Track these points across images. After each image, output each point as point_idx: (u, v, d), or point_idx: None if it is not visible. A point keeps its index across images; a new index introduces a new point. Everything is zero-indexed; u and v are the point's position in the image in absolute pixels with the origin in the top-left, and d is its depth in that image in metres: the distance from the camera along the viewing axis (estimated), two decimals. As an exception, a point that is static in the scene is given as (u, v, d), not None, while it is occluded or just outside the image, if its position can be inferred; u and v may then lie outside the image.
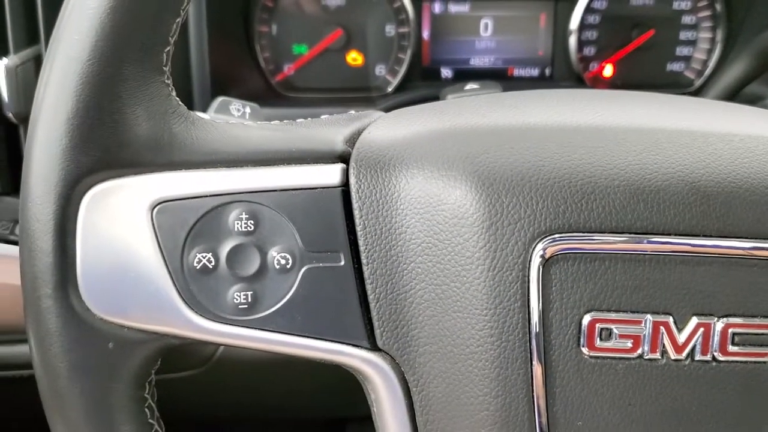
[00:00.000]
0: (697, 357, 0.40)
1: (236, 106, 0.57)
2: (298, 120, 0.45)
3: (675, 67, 0.97)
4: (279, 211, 0.41)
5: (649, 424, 0.40)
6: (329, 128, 0.44)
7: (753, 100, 0.88)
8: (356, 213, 0.41)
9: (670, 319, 0.39)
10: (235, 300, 0.40)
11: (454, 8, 0.94)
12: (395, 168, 0.41)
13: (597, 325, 0.39)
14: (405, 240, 0.41)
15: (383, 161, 0.41)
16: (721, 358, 0.40)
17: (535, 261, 0.39)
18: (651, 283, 0.39)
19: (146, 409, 0.42)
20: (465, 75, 0.96)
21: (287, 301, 0.41)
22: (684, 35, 0.96)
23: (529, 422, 0.40)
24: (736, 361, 0.40)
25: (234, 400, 0.83)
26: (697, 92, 0.95)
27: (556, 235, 0.39)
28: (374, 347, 0.41)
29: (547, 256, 0.39)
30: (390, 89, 0.94)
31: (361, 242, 0.41)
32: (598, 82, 0.97)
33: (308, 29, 0.93)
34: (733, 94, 0.77)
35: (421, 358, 0.41)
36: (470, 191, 0.39)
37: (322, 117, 0.46)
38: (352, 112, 0.47)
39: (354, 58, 0.94)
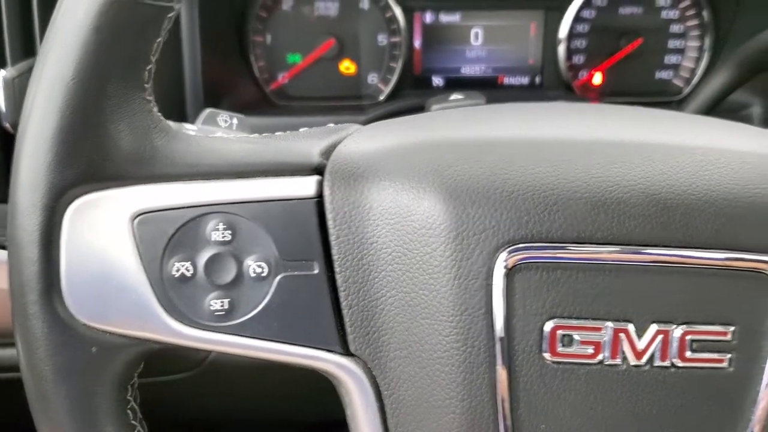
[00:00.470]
0: (657, 363, 0.41)
1: (224, 117, 0.59)
2: (276, 133, 0.47)
3: (664, 75, 0.99)
4: (255, 222, 0.42)
5: (610, 429, 0.42)
6: (306, 141, 0.46)
7: (738, 109, 0.90)
8: (330, 224, 0.43)
9: (630, 326, 0.41)
10: (212, 307, 0.42)
11: (444, 18, 0.96)
12: (368, 180, 0.43)
13: (559, 331, 0.41)
14: (376, 249, 0.42)
15: (356, 174, 0.43)
16: (679, 364, 0.41)
17: (499, 270, 0.40)
18: (611, 292, 0.41)
19: (129, 411, 0.44)
20: (456, 83, 0.98)
21: (263, 308, 0.43)
22: (672, 44, 0.98)
23: (494, 425, 0.42)
24: (695, 367, 0.41)
25: (226, 402, 0.85)
26: (686, 100, 0.97)
27: (519, 245, 0.40)
28: (347, 352, 0.43)
29: (510, 265, 0.40)
30: (382, 98, 0.96)
31: (334, 252, 0.43)
32: (588, 90, 0.98)
33: (302, 39, 0.95)
34: (716, 104, 0.78)
35: (392, 362, 0.43)
36: (438, 203, 0.41)
37: (301, 130, 0.48)
38: (331, 125, 0.49)
39: (347, 66, 0.96)
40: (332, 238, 0.43)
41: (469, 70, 0.98)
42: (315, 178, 0.43)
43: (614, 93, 0.98)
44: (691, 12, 0.97)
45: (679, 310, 0.41)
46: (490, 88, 0.98)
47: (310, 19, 0.94)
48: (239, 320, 0.42)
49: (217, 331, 0.42)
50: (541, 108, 0.50)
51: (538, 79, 0.99)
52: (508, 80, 0.99)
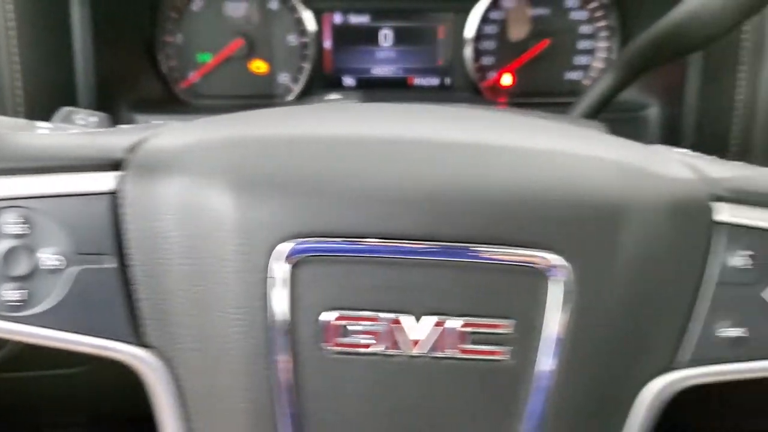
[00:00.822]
0: (435, 354, 0.42)
1: (81, 116, 0.60)
2: (91, 129, 0.48)
3: (573, 75, 0.99)
4: (52, 216, 0.44)
5: (391, 416, 0.43)
6: (114, 137, 0.47)
7: (636, 109, 0.91)
8: (126, 218, 0.44)
9: (409, 318, 0.42)
10: (6, 298, 0.43)
11: (354, 19, 0.97)
12: (165, 176, 0.44)
13: (339, 322, 0.42)
14: (170, 244, 0.43)
15: (155, 169, 0.44)
16: (457, 355, 0.42)
17: (280, 263, 0.42)
18: (389, 285, 0.42)
19: None
20: (367, 84, 0.99)
21: (59, 300, 0.44)
22: (582, 45, 0.99)
23: (280, 413, 0.43)
24: (472, 359, 0.42)
25: (120, 396, 0.86)
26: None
27: (300, 239, 0.41)
28: (143, 344, 0.44)
29: (291, 258, 0.42)
30: (291, 97, 0.97)
31: (129, 246, 0.44)
32: (498, 92, 0.99)
33: (212, 39, 0.96)
34: (603, 105, 0.78)
35: (186, 353, 0.44)
36: (226, 198, 0.42)
37: (118, 126, 0.49)
38: (156, 122, 0.50)
39: (258, 66, 0.97)
40: (127, 232, 0.44)
41: (379, 71, 0.99)
42: (114, 173, 0.44)
43: (524, 94, 0.99)
44: (599, 13, 0.98)
45: (458, 303, 0.42)
46: (400, 89, 0.99)
47: (220, 20, 0.96)
48: (34, 311, 0.44)
49: (12, 321, 0.44)
50: (355, 108, 0.51)
51: (447, 81, 1.00)
52: (418, 81, 1.00)
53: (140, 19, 0.93)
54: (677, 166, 0.47)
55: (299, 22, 0.96)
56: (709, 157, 0.51)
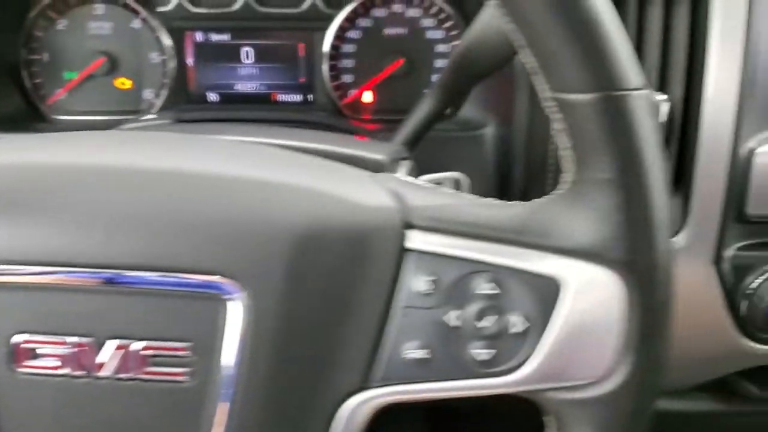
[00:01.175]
0: (119, 375, 0.46)
1: None
2: None
3: (431, 93, 1.02)
4: None
5: None
6: None
7: (474, 128, 0.94)
8: None
9: (92, 341, 0.45)
10: None
11: (215, 37, 1.00)
12: None
13: (26, 345, 0.45)
14: None
15: None
16: (141, 377, 0.46)
17: None
18: (75, 310, 0.45)
19: None
20: (231, 99, 1.02)
21: None
22: (439, 63, 1.01)
23: None
24: (156, 380, 0.46)
25: None
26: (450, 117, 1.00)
27: None
28: None
29: None
30: (153, 112, 1.00)
31: None
32: (358, 109, 1.02)
33: (77, 57, 0.99)
34: (423, 131, 0.81)
35: None
36: None
37: None
38: None
39: (122, 82, 1.00)
40: None
41: (242, 87, 1.02)
42: None
43: (385, 111, 1.02)
44: (454, 33, 1.00)
45: (139, 327, 0.45)
46: (264, 104, 1.02)
47: (85, 39, 0.99)
48: None
49: None
50: (93, 136, 0.54)
51: (310, 97, 1.02)
52: (281, 97, 1.03)
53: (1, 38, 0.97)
54: (380, 194, 0.49)
55: (159, 40, 0.99)
56: (428, 185, 0.54)
